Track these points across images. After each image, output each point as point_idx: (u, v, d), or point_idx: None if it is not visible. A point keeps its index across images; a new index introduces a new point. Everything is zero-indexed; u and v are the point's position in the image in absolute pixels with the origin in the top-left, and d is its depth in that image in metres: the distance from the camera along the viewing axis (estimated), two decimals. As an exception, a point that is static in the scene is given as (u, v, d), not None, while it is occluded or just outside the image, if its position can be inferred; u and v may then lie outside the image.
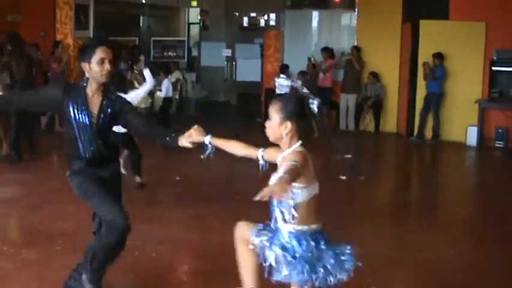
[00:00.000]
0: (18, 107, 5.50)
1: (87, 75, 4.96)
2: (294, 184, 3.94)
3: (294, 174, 3.84)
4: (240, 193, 9.52)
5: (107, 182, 5.11)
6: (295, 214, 4.10)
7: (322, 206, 8.04)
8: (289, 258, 4.09)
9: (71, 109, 4.90)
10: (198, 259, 6.82)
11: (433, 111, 14.71)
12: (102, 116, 4.99)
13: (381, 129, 15.96)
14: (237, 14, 23.18)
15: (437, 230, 8.11)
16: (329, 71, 16.30)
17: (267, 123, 4.23)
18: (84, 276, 5.10)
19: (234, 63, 19.64)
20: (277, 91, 14.92)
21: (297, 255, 4.10)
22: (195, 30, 24.13)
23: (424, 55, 14.82)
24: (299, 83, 15.02)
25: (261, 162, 4.38)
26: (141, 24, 23.20)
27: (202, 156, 4.67)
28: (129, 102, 5.27)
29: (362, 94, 16.16)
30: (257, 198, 3.59)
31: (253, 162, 4.47)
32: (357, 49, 16.14)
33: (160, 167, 11.59)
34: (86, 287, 5.09)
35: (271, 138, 4.23)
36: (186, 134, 4.82)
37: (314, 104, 4.19)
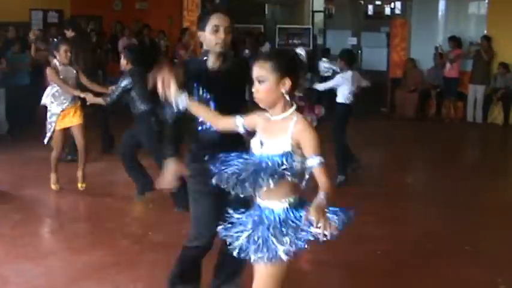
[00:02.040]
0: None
1: (204, 46, 4.57)
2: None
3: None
4: (365, 184, 9.43)
5: None
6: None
7: (449, 200, 7.79)
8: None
9: (194, 85, 4.50)
10: (321, 249, 6.77)
11: None
12: (226, 86, 4.55)
13: (510, 121, 15.43)
14: (362, 1, 22.95)
15: None
16: (456, 61, 15.88)
17: (260, 88, 3.70)
18: None
19: (359, 51, 19.44)
20: (322, 74, 14.86)
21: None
22: (319, 18, 24.06)
23: (559, 46, 14.25)
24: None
25: (241, 130, 3.92)
26: (266, 12, 23.29)
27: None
28: (247, 60, 4.75)
29: (491, 85, 15.67)
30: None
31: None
32: (487, 39, 15.66)
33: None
34: None
35: (267, 103, 3.73)
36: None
37: (302, 55, 3.86)
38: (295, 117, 3.64)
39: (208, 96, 4.49)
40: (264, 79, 3.65)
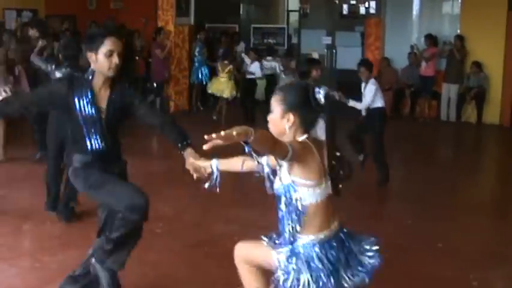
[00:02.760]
0: (23, 109, 4.88)
1: (92, 66, 4.61)
2: (300, 181, 3.53)
3: (269, 140, 3.23)
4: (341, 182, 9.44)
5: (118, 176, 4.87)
6: (304, 221, 3.62)
7: (422, 197, 7.85)
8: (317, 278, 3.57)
9: (77, 103, 4.56)
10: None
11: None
12: (111, 110, 4.68)
13: (483, 120, 15.55)
14: (336, 1, 22.98)
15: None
16: (432, 59, 15.98)
17: (269, 117, 3.68)
18: (98, 266, 4.97)
19: (334, 51, 19.50)
20: (264, 72, 15.52)
21: (322, 272, 3.57)
22: (294, 17, 24.07)
23: (531, 45, 14.37)
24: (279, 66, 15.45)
25: (266, 169, 3.67)
26: (241, 12, 23.29)
27: (206, 186, 4.03)
28: (138, 96, 4.92)
29: (464, 84, 15.78)
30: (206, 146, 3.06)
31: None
32: (460, 38, 15.75)
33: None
34: (101, 275, 4.94)
35: (275, 134, 3.59)
36: (189, 159, 4.49)
37: (320, 93, 3.58)
38: None
39: (95, 115, 4.60)
40: (272, 109, 3.65)
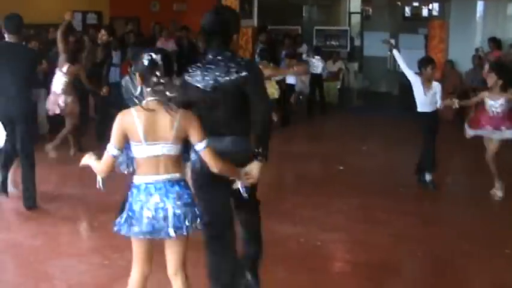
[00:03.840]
0: None
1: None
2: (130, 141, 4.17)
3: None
4: (405, 186, 9.41)
5: None
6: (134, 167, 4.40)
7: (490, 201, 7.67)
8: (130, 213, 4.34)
9: None
10: (362, 250, 6.81)
11: None
12: None
13: (550, 125, 15.24)
14: (399, 3, 22.84)
15: None
16: (495, 62, 15.74)
17: None
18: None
19: (397, 53, 19.34)
20: (311, 70, 15.89)
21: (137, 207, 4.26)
22: (356, 19, 24.00)
23: None
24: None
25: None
26: (303, 13, 23.29)
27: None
28: None
29: (530, 87, 15.50)
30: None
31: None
32: (526, 41, 15.55)
33: (323, 157, 11.64)
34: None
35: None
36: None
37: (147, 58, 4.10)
38: None
39: None
40: None
